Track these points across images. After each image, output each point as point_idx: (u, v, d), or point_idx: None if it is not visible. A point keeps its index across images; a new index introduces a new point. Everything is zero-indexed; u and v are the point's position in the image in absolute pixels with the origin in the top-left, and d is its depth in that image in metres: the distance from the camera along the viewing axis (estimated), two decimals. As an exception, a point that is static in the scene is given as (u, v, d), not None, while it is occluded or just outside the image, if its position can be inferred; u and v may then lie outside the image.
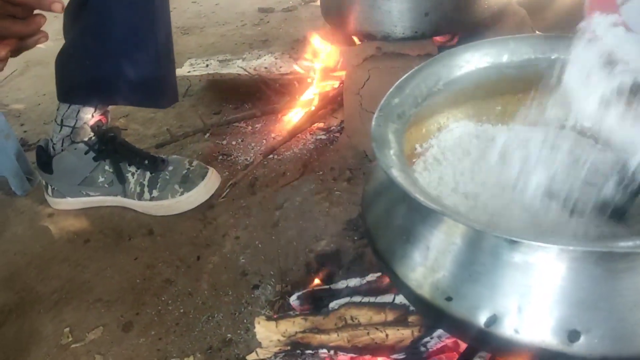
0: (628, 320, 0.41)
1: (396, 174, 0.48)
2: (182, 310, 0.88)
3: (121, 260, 1.00)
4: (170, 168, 1.08)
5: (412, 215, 0.49)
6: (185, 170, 1.08)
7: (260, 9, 1.96)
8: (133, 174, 1.08)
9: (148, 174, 1.08)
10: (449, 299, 0.45)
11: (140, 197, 1.08)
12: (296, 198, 1.07)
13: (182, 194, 1.06)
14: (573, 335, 0.41)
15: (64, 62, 1.03)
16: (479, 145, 0.72)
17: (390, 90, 0.59)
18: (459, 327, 0.45)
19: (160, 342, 0.84)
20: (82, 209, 1.13)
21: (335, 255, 0.92)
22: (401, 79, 0.60)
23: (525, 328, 0.42)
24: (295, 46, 1.65)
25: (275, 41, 1.72)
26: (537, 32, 1.25)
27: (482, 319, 0.44)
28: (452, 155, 0.70)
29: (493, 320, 0.43)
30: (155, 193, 1.07)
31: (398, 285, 0.50)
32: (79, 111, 1.08)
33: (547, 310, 0.42)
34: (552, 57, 0.63)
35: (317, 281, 0.83)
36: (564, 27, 1.49)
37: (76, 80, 1.02)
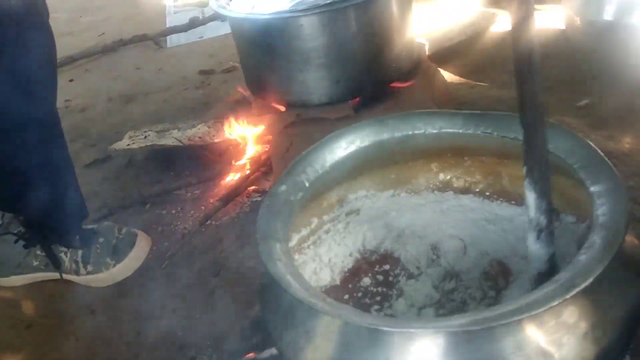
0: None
1: (276, 265, 0.53)
2: (121, 390, 0.91)
3: (63, 343, 1.02)
4: (101, 240, 1.13)
5: (294, 302, 0.54)
6: (115, 240, 1.13)
7: (202, 72, 2.02)
8: (66, 253, 1.12)
9: (80, 251, 1.12)
10: (326, 377, 0.50)
11: (77, 272, 1.13)
12: (232, 264, 1.11)
13: (114, 265, 1.11)
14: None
15: None
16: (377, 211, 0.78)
17: (278, 178, 0.64)
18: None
19: None
20: (26, 290, 1.15)
21: (267, 320, 0.96)
22: (288, 167, 0.65)
23: (390, 401, 0.47)
24: (234, 107, 1.70)
25: (216, 103, 1.78)
26: (450, 80, 1.33)
27: (355, 395, 0.48)
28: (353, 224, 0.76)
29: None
30: (89, 268, 1.11)
31: (288, 365, 0.55)
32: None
33: (406, 383, 0.47)
34: (426, 132, 0.69)
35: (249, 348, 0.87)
36: (480, 72, 1.58)
37: None
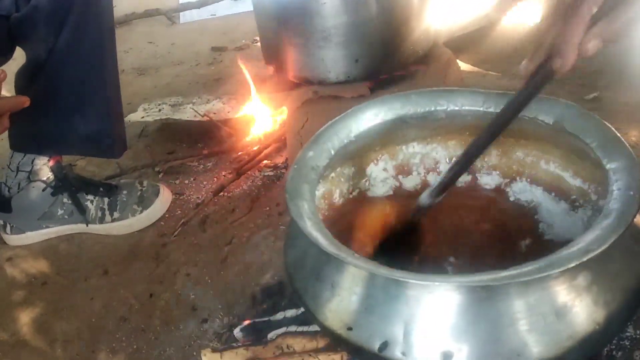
0: (490, 340, 0.49)
1: (305, 223, 0.56)
2: (135, 347, 0.94)
3: (77, 300, 1.05)
4: (125, 192, 1.19)
5: (321, 258, 0.57)
6: (139, 191, 1.20)
7: (214, 48, 2.04)
8: (92, 201, 1.17)
9: (106, 199, 1.18)
10: (349, 328, 0.53)
11: (102, 220, 1.18)
12: (244, 234, 1.14)
13: (141, 212, 1.18)
14: (447, 356, 0.49)
15: (18, 116, 1.09)
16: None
17: (306, 145, 0.67)
18: (358, 352, 0.53)
19: (115, 378, 0.90)
20: (40, 250, 1.18)
21: (278, 287, 0.99)
22: (316, 133, 0.68)
23: (410, 351, 0.50)
24: (246, 85, 1.72)
25: (228, 80, 1.80)
26: (462, 69, 1.36)
27: (376, 345, 0.51)
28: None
29: (385, 345, 0.51)
30: (116, 215, 1.17)
31: (311, 318, 0.58)
32: (34, 158, 1.15)
33: (426, 335, 0.50)
34: (448, 109, 0.72)
35: (260, 313, 0.90)
36: (492, 62, 1.60)
37: (30, 134, 1.09)
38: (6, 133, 1.13)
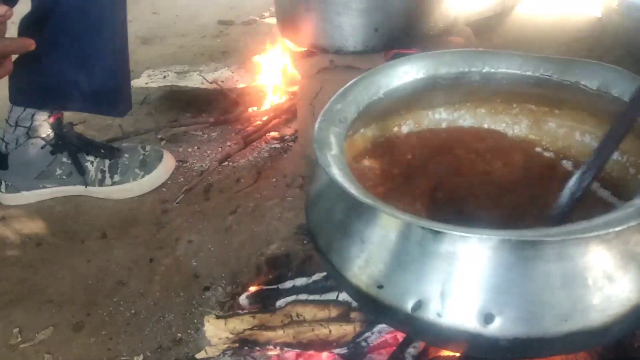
0: (536, 303, 0.45)
1: (335, 172, 0.52)
2: (133, 311, 0.90)
3: (74, 262, 1.01)
4: (127, 155, 1.15)
5: (349, 211, 0.53)
6: (142, 156, 1.15)
7: (220, 22, 1.99)
8: (92, 163, 1.12)
9: (107, 161, 1.13)
10: (380, 287, 0.49)
11: (101, 183, 1.13)
12: (249, 204, 1.10)
13: (143, 176, 1.13)
14: (488, 318, 0.45)
15: (20, 68, 1.04)
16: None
17: (334, 97, 0.63)
18: (389, 313, 0.49)
19: (111, 341, 0.85)
20: (35, 211, 1.14)
21: (285, 258, 0.95)
22: (344, 86, 0.64)
23: (447, 312, 0.46)
24: (253, 59, 1.68)
25: (235, 53, 1.75)
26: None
27: (409, 305, 0.48)
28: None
29: (418, 305, 0.47)
30: (116, 178, 1.13)
31: (336, 277, 0.54)
32: (34, 113, 1.10)
33: (465, 295, 0.46)
34: (483, 70, 0.68)
35: (266, 282, 0.86)
36: (506, 49, 1.57)
37: (31, 87, 1.04)
38: (6, 86, 1.08)
